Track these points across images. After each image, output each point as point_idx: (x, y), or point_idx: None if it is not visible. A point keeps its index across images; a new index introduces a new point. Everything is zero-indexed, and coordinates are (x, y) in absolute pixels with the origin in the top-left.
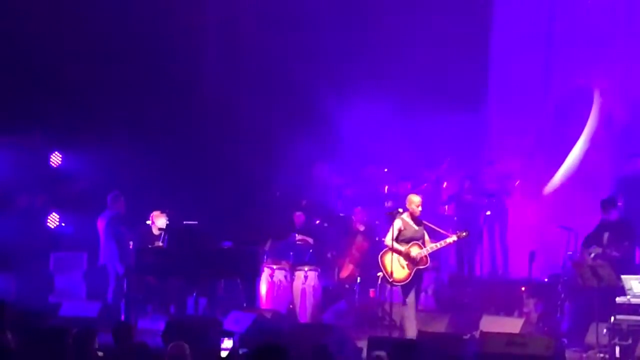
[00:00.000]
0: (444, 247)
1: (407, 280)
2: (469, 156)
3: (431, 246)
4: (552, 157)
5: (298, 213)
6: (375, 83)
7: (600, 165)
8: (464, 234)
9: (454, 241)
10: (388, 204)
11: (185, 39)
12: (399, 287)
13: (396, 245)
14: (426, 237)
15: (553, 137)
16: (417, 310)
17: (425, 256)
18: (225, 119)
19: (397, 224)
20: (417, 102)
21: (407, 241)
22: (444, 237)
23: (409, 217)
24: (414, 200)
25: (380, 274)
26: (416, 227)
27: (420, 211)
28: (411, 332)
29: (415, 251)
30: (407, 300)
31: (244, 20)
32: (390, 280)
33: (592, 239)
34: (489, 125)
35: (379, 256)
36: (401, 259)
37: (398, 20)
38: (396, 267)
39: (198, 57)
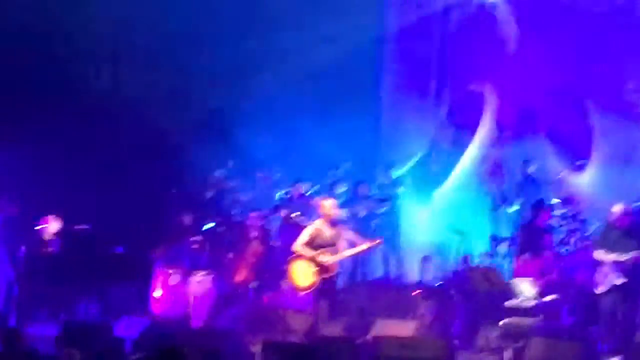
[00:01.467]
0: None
1: (312, 289)
2: (365, 160)
3: (343, 254)
4: (445, 160)
5: (185, 215)
6: (269, 81)
7: (492, 169)
8: (378, 241)
9: (368, 248)
10: (283, 213)
11: (75, 41)
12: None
13: (305, 251)
14: (343, 241)
15: (447, 140)
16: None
17: (333, 264)
18: (120, 120)
19: (309, 230)
20: (310, 104)
21: (319, 248)
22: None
23: (324, 224)
24: (324, 205)
25: (285, 281)
26: (331, 233)
27: (336, 215)
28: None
29: (324, 258)
30: (321, 305)
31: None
32: (295, 288)
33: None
34: (383, 130)
35: (288, 262)
36: (310, 266)
37: (285, 17)
38: (302, 275)
39: (92, 56)
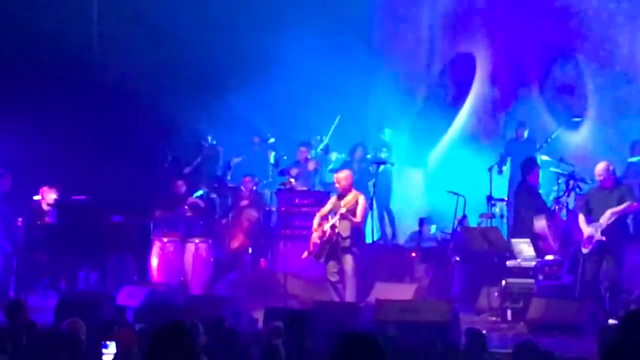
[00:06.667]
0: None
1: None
2: (358, 122)
3: (335, 219)
4: (439, 121)
5: (179, 182)
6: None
7: (488, 128)
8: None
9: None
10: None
11: (73, 14)
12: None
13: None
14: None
15: (439, 100)
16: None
17: (327, 231)
18: (112, 92)
19: (331, 199)
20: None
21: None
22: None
23: (336, 195)
24: (337, 178)
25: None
26: (338, 203)
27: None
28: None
29: (326, 226)
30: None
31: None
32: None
33: None
34: (372, 94)
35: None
36: (315, 234)
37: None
38: (311, 242)
39: (87, 30)
